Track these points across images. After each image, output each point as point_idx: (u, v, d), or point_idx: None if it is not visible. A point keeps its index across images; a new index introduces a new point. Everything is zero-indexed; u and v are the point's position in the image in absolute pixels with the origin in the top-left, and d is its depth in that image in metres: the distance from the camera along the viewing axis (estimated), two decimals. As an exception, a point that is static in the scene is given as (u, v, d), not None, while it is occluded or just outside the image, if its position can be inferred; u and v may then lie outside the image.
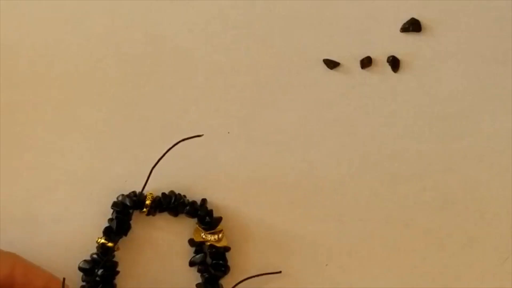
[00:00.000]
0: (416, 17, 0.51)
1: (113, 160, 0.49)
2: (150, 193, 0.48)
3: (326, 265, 0.50)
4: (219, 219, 0.48)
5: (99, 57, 0.49)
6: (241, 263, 0.49)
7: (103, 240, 0.47)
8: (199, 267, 0.48)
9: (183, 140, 0.46)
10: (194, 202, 0.48)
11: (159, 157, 0.46)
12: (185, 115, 0.50)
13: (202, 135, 0.46)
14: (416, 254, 0.50)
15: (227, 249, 0.48)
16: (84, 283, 0.47)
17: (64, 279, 0.44)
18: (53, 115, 0.49)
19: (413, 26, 0.51)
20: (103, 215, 0.48)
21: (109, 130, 0.49)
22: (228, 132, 0.50)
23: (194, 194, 0.49)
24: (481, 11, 0.51)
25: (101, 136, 0.49)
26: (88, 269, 0.47)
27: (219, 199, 0.49)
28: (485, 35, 0.51)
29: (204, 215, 0.48)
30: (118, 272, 0.48)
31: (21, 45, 0.49)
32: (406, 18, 0.51)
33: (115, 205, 0.47)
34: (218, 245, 0.48)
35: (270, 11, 0.50)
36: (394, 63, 0.50)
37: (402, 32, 0.51)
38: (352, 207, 0.50)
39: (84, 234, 0.48)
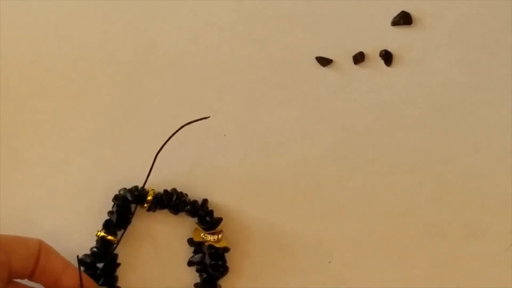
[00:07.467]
0: (406, 10, 0.51)
1: (111, 170, 0.50)
2: (152, 189, 0.48)
3: (329, 262, 0.50)
4: (220, 220, 0.48)
5: (93, 66, 0.50)
6: (241, 263, 0.49)
7: (102, 233, 0.47)
8: (198, 267, 0.48)
9: (189, 123, 0.46)
10: (195, 202, 0.48)
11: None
12: (181, 117, 0.50)
13: (209, 117, 0.47)
14: (418, 246, 0.50)
15: (226, 249, 0.48)
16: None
17: (78, 256, 0.45)
18: (51, 125, 0.50)
19: (403, 19, 0.51)
20: (105, 210, 0.48)
21: (109, 134, 0.50)
22: (225, 135, 0.50)
23: (196, 194, 0.49)
24: (471, 1, 0.51)
25: (103, 136, 0.50)
26: (89, 263, 0.47)
27: (220, 199, 0.49)
28: (476, 25, 0.51)
29: (204, 215, 0.48)
30: (119, 264, 0.48)
31: (12, 57, 0.50)
32: (396, 11, 0.51)
33: (116, 198, 0.48)
34: (217, 245, 0.48)
35: (261, 11, 0.51)
36: (387, 57, 0.51)
37: (393, 25, 0.51)
38: (351, 203, 0.50)
39: (84, 227, 0.48)
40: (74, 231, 0.49)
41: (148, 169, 0.46)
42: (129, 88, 0.50)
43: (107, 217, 0.48)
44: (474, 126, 0.50)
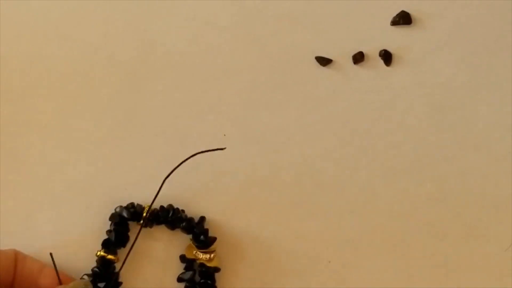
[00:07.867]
0: (405, 10, 0.51)
1: (111, 170, 0.49)
2: (148, 206, 0.47)
3: (329, 262, 0.50)
4: (213, 239, 0.48)
5: (93, 66, 0.50)
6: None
7: (102, 253, 0.47)
8: (187, 284, 0.48)
9: (202, 152, 0.46)
10: (191, 219, 0.48)
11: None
12: (181, 117, 0.50)
13: (225, 148, 0.47)
14: (418, 246, 0.50)
15: (217, 269, 0.48)
16: None
17: (51, 253, 0.45)
18: (51, 126, 0.50)
19: (403, 19, 0.51)
20: (103, 226, 0.48)
21: (105, 139, 0.50)
22: (224, 135, 0.50)
23: (195, 195, 0.49)
24: (471, 1, 0.51)
25: (99, 146, 0.50)
26: (91, 282, 0.46)
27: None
28: (476, 25, 0.51)
29: (199, 233, 0.48)
30: (121, 283, 0.48)
31: (12, 57, 0.50)
32: (396, 11, 0.51)
33: (112, 217, 0.48)
34: (208, 264, 0.47)
35: (261, 11, 0.51)
36: (387, 57, 0.51)
37: (392, 25, 0.51)
38: (352, 203, 0.50)
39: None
40: (74, 231, 0.49)
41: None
42: (129, 88, 0.50)
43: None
44: (474, 126, 0.50)
